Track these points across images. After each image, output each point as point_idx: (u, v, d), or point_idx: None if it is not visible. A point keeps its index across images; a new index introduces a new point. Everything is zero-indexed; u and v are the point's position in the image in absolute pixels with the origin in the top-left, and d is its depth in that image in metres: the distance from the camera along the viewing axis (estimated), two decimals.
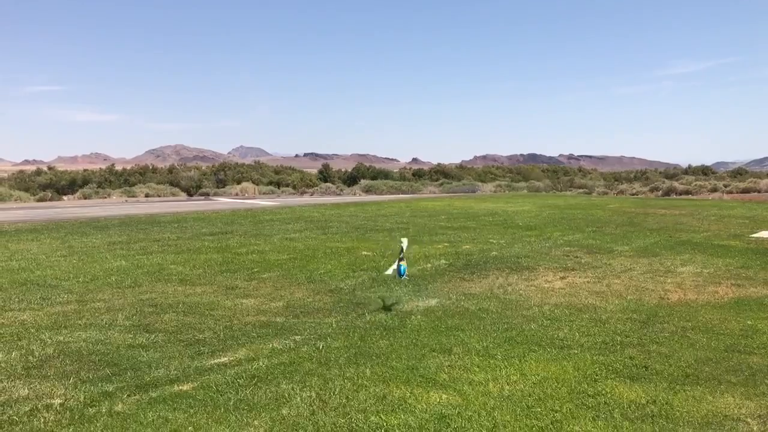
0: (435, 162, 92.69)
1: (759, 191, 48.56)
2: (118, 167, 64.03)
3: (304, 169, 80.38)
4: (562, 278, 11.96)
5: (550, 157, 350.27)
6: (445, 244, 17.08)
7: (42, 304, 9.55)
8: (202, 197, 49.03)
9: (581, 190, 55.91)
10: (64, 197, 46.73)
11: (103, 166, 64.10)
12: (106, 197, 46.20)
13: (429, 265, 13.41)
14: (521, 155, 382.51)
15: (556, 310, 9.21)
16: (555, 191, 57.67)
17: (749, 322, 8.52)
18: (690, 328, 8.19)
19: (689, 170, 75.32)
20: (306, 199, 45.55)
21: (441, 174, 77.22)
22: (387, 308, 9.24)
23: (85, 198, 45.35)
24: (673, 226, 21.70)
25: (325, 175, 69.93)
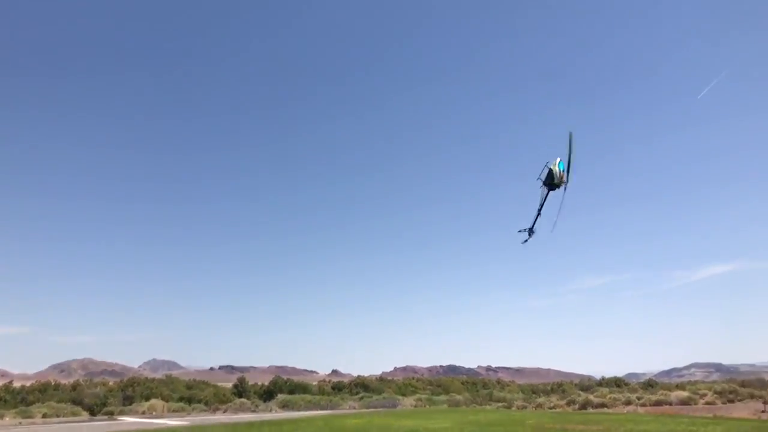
0: (355, 373, 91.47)
1: (670, 404, 49.82)
2: (17, 384, 59.83)
3: (219, 383, 77.35)
4: None
5: (469, 369, 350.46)
6: None
7: None
8: (106, 417, 45.93)
9: (501, 404, 55.77)
10: None
11: (0, 384, 59.78)
12: None
13: None
14: (441, 366, 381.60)
15: None
16: (475, 405, 57.28)
17: None
18: None
19: (603, 382, 76.94)
20: (218, 417, 43.39)
21: (361, 387, 75.84)
22: None
23: None
24: None
25: (240, 389, 67.43)
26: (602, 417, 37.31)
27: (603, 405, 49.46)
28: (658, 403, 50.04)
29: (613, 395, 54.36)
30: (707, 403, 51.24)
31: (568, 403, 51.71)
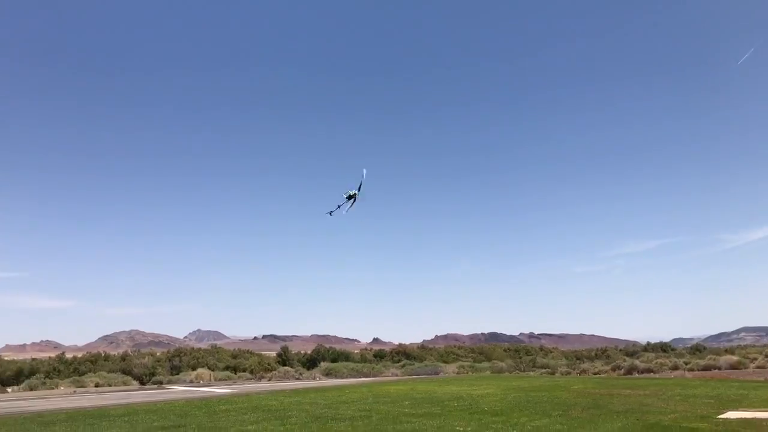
0: (396, 342, 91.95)
1: (719, 368, 48.85)
2: (69, 355, 61.70)
3: (263, 352, 78.64)
4: None
5: (511, 336, 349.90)
6: None
7: None
8: (155, 386, 47.03)
9: (544, 370, 55.45)
10: (9, 389, 44.42)
11: (53, 354, 61.72)
12: (53, 388, 44.00)
13: None
14: (482, 334, 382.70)
15: None
16: (518, 371, 57.11)
17: None
18: None
19: (648, 347, 75.87)
20: (264, 385, 44.05)
21: (403, 355, 76.25)
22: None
23: (32, 389, 43.10)
24: (639, 408, 21.35)
25: (284, 358, 68.36)
26: (649, 382, 36.76)
27: (649, 370, 48.77)
28: (706, 368, 49.14)
29: (659, 360, 53.56)
30: (758, 367, 50.13)
31: (613, 369, 51.15)
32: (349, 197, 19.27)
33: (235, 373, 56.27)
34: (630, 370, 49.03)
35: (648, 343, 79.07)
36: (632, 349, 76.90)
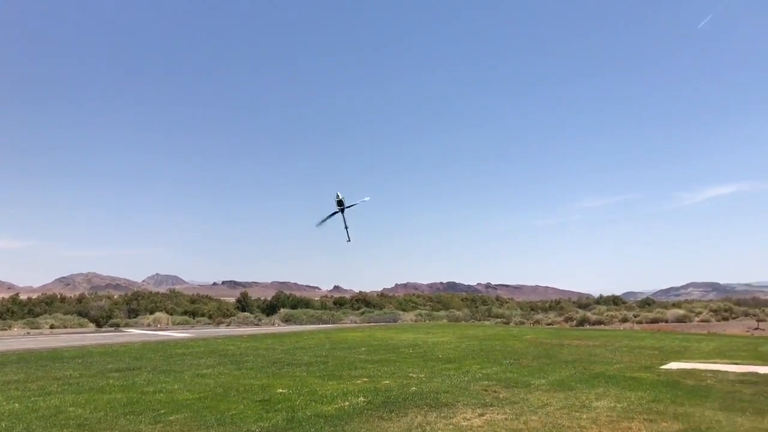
0: (357, 290, 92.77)
1: (666, 321, 50.59)
2: (24, 296, 60.84)
3: (222, 298, 78.73)
4: (480, 415, 11.80)
5: (469, 286, 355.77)
6: (365, 379, 16.72)
7: None
8: (112, 328, 46.82)
9: (499, 320, 56.73)
10: None
11: (7, 296, 60.72)
12: (6, 329, 43.45)
13: (347, 404, 13.02)
14: (441, 283, 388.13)
15: None
16: (474, 320, 58.31)
17: None
18: None
19: (601, 300, 78.05)
20: (222, 330, 44.20)
21: (362, 302, 77.16)
22: None
23: None
24: (587, 358, 22.08)
25: (243, 303, 68.62)
26: (598, 333, 37.92)
27: (600, 322, 50.34)
28: (654, 321, 50.88)
29: (610, 313, 55.25)
30: (702, 321, 52.10)
31: (566, 320, 52.64)
32: (339, 203, 22.83)
33: (194, 318, 56.36)
34: (582, 322, 50.50)
35: (600, 296, 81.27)
36: (585, 302, 78.96)
